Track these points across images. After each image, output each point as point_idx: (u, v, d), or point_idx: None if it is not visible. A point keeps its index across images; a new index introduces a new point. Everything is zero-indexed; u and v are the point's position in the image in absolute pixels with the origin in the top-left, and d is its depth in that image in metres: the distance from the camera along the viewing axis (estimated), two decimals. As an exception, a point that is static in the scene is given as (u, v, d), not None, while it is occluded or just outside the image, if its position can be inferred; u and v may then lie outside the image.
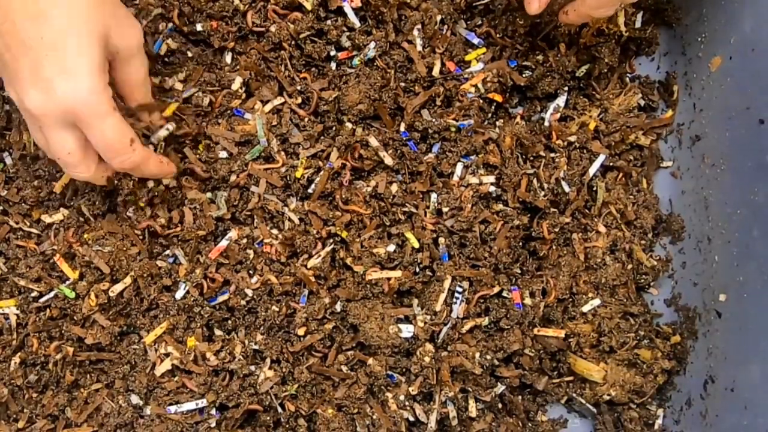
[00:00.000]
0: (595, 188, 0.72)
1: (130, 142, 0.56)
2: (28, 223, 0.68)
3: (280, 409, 0.66)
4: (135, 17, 0.60)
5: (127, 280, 0.65)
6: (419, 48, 0.69)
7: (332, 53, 0.69)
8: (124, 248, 0.66)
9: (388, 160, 0.67)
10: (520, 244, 0.70)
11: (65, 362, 0.66)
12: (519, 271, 0.69)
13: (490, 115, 0.71)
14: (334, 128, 0.69)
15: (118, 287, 0.65)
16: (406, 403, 0.66)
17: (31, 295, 0.66)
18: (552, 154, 0.71)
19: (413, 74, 0.69)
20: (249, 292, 0.65)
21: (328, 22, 0.68)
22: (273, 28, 0.68)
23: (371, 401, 0.66)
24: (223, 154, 0.67)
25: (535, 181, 0.70)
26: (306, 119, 0.68)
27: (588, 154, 0.73)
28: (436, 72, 0.69)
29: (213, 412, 0.65)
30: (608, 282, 0.71)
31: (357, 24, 0.69)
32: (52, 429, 0.66)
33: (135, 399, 0.66)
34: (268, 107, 0.68)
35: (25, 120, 0.58)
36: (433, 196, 0.68)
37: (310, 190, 0.67)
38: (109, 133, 0.55)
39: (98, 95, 0.53)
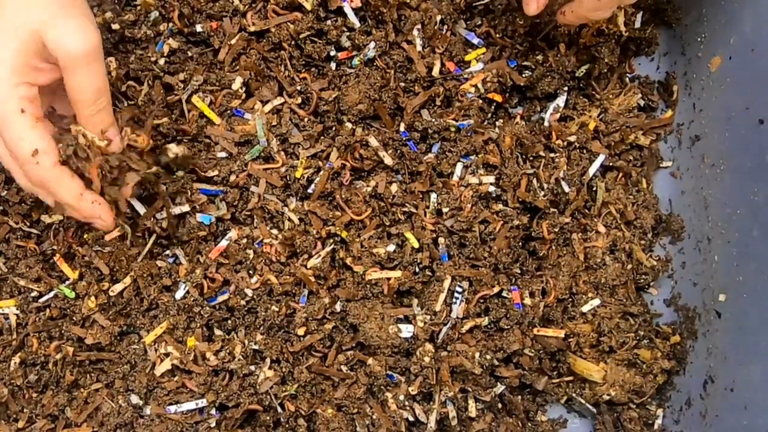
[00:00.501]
0: (594, 188, 0.72)
1: (32, 153, 0.51)
2: (27, 223, 0.68)
3: (279, 409, 0.66)
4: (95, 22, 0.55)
5: (127, 280, 0.65)
6: (419, 48, 0.69)
7: (332, 53, 0.69)
8: (124, 248, 0.66)
9: (388, 160, 0.67)
10: (520, 244, 0.70)
11: (65, 362, 0.66)
12: (519, 271, 0.69)
13: (489, 115, 0.71)
14: (333, 128, 0.69)
15: (117, 287, 0.65)
16: (406, 403, 0.66)
17: (31, 295, 0.66)
18: (552, 154, 0.71)
19: (413, 74, 0.69)
20: (249, 292, 0.65)
21: (328, 22, 0.68)
22: (273, 29, 0.68)
23: (371, 401, 0.66)
24: (223, 154, 0.67)
25: (534, 181, 0.70)
26: (306, 119, 0.68)
27: (588, 154, 0.73)
28: (435, 72, 0.69)
29: (213, 412, 0.65)
30: (608, 282, 0.71)
31: (357, 24, 0.69)
32: (52, 429, 0.66)
33: (135, 399, 0.66)
34: (268, 107, 0.68)
35: None
36: (433, 196, 0.68)
37: (309, 190, 0.67)
38: (9, 136, 0.51)
39: (5, 94, 0.50)
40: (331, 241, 0.67)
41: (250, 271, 0.66)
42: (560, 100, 0.73)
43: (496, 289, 0.68)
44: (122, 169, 0.56)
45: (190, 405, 0.65)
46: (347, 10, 0.68)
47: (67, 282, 0.66)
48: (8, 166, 0.54)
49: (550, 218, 0.70)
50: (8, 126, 0.50)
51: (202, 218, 0.65)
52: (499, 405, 0.70)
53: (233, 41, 0.68)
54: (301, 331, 0.66)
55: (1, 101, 0.50)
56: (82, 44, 0.51)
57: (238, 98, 0.68)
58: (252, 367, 0.65)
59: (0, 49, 0.50)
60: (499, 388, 0.69)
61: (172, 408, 0.65)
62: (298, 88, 0.68)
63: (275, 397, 0.65)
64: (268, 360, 0.66)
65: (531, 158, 0.71)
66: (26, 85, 0.51)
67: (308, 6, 0.68)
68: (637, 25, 0.74)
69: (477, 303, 0.68)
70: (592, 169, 0.72)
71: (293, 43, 0.69)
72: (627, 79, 0.77)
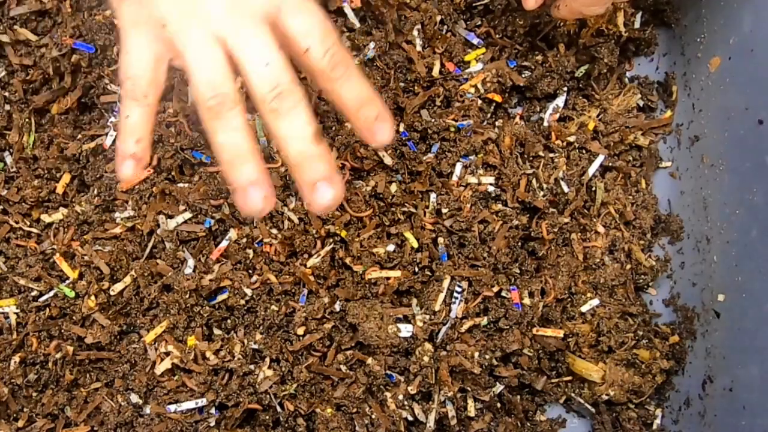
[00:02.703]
0: (594, 188, 0.73)
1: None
2: (28, 223, 0.68)
3: (279, 409, 0.66)
4: None
5: (127, 279, 0.65)
6: (419, 48, 0.69)
7: (332, 53, 0.69)
8: (124, 248, 0.66)
9: (388, 160, 0.67)
10: (519, 244, 0.70)
11: (65, 361, 0.66)
12: (518, 271, 0.69)
13: (489, 115, 0.72)
14: (333, 128, 0.69)
15: (118, 286, 0.65)
16: (405, 403, 0.66)
17: (31, 294, 0.66)
18: (551, 155, 0.71)
19: (413, 74, 0.69)
20: (248, 291, 0.65)
21: (328, 22, 0.69)
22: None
23: (370, 401, 0.67)
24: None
25: (534, 181, 0.70)
26: (305, 119, 0.68)
27: (587, 155, 0.73)
28: (435, 72, 0.69)
29: (212, 411, 0.66)
30: (607, 282, 0.71)
31: (357, 24, 0.69)
32: (51, 428, 0.66)
33: (135, 398, 0.66)
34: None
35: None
36: (433, 196, 0.68)
37: (309, 190, 0.67)
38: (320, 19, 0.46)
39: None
40: (331, 240, 0.67)
41: (250, 271, 0.66)
42: (560, 101, 0.73)
43: (495, 289, 0.68)
44: None
45: (190, 404, 0.65)
46: (347, 10, 0.68)
47: (67, 281, 0.66)
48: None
49: (549, 218, 0.70)
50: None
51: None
52: (498, 405, 0.70)
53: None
54: (300, 331, 0.66)
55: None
56: None
57: (238, 98, 0.68)
58: (251, 367, 0.66)
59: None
60: (498, 387, 0.69)
61: (172, 407, 0.65)
62: (298, 88, 0.69)
63: (274, 396, 0.65)
64: (267, 359, 0.66)
65: (530, 158, 0.71)
66: None
67: (308, 6, 0.68)
68: (637, 25, 0.74)
69: (476, 303, 0.68)
70: (592, 170, 0.72)
71: (293, 43, 0.69)
72: (626, 80, 0.77)
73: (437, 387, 0.66)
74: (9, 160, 0.69)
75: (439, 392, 0.66)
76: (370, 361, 0.66)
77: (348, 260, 0.66)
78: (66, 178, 0.68)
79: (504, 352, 0.68)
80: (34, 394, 0.66)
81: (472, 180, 0.68)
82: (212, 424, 0.65)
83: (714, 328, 0.67)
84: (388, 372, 0.66)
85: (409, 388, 0.66)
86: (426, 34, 0.70)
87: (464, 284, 0.67)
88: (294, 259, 0.67)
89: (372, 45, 0.68)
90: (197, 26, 0.45)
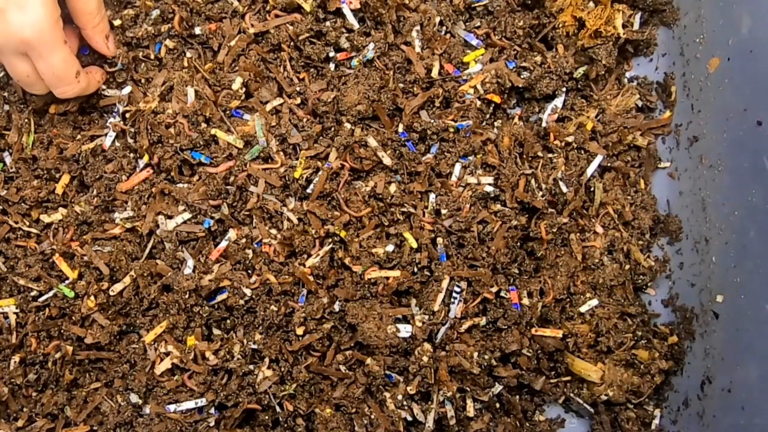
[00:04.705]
0: (592, 189, 0.73)
1: (75, 75, 0.61)
2: (27, 223, 0.68)
3: (278, 409, 0.66)
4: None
5: (127, 279, 0.65)
6: (418, 49, 0.70)
7: (331, 54, 0.69)
8: (124, 248, 0.66)
9: (387, 161, 0.67)
10: (518, 244, 0.70)
11: (64, 361, 0.66)
12: (517, 272, 0.69)
13: (488, 115, 0.72)
14: (332, 129, 0.69)
15: (117, 287, 0.65)
16: (404, 403, 0.66)
17: (31, 294, 0.66)
18: (550, 155, 0.71)
19: (412, 75, 0.69)
20: (248, 291, 0.66)
21: (327, 23, 0.69)
22: (272, 30, 0.68)
23: (369, 401, 0.67)
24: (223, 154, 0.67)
25: (533, 181, 0.70)
26: (305, 120, 0.68)
27: (586, 155, 0.73)
28: (434, 73, 0.69)
29: (212, 411, 0.66)
30: (606, 282, 0.71)
31: (356, 25, 0.69)
32: (51, 428, 0.66)
33: (134, 398, 0.66)
34: (267, 108, 0.68)
35: None
36: (432, 196, 0.68)
37: (308, 190, 0.67)
38: (58, 65, 0.60)
39: (50, 28, 0.57)
40: (330, 240, 0.67)
41: (249, 271, 0.66)
42: (558, 101, 0.73)
43: (494, 290, 0.68)
44: None
45: (190, 404, 0.65)
46: (346, 11, 0.68)
47: (67, 281, 0.66)
48: (27, 81, 0.62)
49: (548, 218, 0.70)
50: (58, 57, 0.59)
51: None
52: (497, 405, 0.70)
53: (233, 42, 0.68)
54: (299, 331, 0.66)
55: (50, 36, 0.57)
56: None
57: (238, 99, 0.68)
58: (251, 367, 0.66)
59: None
60: (497, 387, 0.69)
61: (172, 407, 0.65)
62: (298, 89, 0.69)
63: (274, 396, 0.66)
64: (266, 359, 0.66)
65: (529, 159, 0.71)
66: (60, 19, 0.59)
67: (307, 7, 0.68)
68: (636, 26, 0.74)
69: (475, 303, 0.68)
70: (590, 170, 0.72)
71: (292, 44, 0.69)
72: (625, 80, 0.77)
73: (436, 387, 0.66)
74: (8, 160, 0.69)
75: (438, 392, 0.67)
76: (369, 361, 0.66)
77: (347, 260, 0.66)
78: (65, 178, 0.68)
79: (503, 352, 0.68)
80: (34, 394, 0.66)
81: (471, 180, 0.68)
82: (212, 424, 0.65)
83: (713, 329, 0.67)
84: (388, 372, 0.66)
85: (408, 389, 0.66)
86: (425, 35, 0.70)
87: (463, 284, 0.67)
88: (293, 260, 0.67)
89: (371, 46, 0.68)
90: None
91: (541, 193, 0.70)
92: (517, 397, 0.71)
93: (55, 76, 0.61)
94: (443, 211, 0.67)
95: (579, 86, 0.75)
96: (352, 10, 0.68)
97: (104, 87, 0.69)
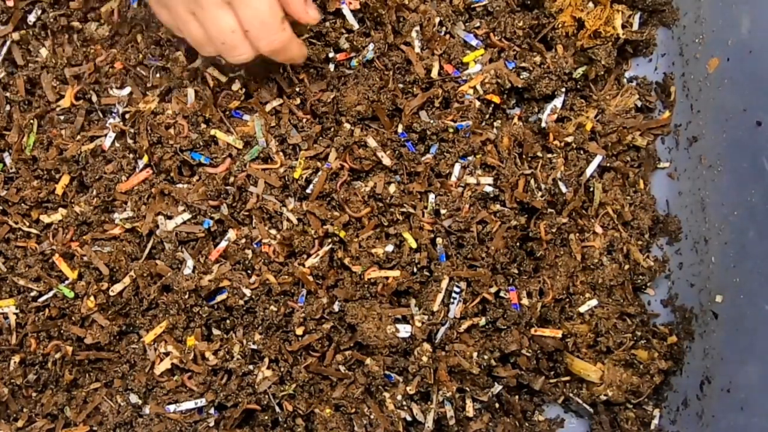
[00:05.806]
0: (592, 189, 0.73)
1: (281, 21, 0.58)
2: (27, 223, 0.68)
3: (278, 409, 0.66)
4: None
5: (126, 280, 0.65)
6: (417, 50, 0.70)
7: (331, 55, 0.69)
8: (123, 248, 0.66)
9: (387, 161, 0.68)
10: (518, 244, 0.70)
11: (64, 362, 0.66)
12: (516, 272, 0.70)
13: (487, 116, 0.72)
14: (332, 129, 0.69)
15: (117, 287, 0.65)
16: (404, 403, 0.66)
17: (31, 294, 0.66)
18: (549, 155, 0.71)
19: (411, 76, 0.69)
20: (247, 291, 0.66)
21: (327, 23, 0.69)
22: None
23: (369, 401, 0.67)
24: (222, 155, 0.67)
25: (532, 181, 0.70)
26: (304, 120, 0.68)
27: (585, 155, 0.73)
28: (434, 74, 0.69)
29: (212, 411, 0.66)
30: (605, 282, 0.71)
31: (355, 26, 0.69)
32: (51, 428, 0.66)
33: (134, 398, 0.66)
34: (267, 108, 0.68)
35: (180, 20, 0.58)
36: (431, 196, 0.68)
37: (308, 191, 0.67)
38: (263, 8, 0.57)
39: None
40: (330, 241, 0.67)
41: (249, 271, 0.66)
42: (557, 101, 0.73)
43: (493, 290, 0.68)
44: None
45: (189, 404, 0.65)
46: (346, 11, 0.68)
47: (67, 282, 0.66)
48: (233, 39, 0.58)
49: (547, 219, 0.70)
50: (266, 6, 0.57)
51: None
52: (497, 405, 0.70)
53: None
54: (299, 331, 0.66)
55: None
56: None
57: (237, 99, 0.68)
58: (250, 367, 0.66)
59: None
60: (497, 388, 0.69)
61: (171, 407, 0.65)
62: (297, 89, 0.69)
63: (273, 396, 0.66)
64: (266, 360, 0.66)
65: (529, 159, 0.71)
66: None
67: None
68: (635, 26, 0.74)
69: (475, 303, 0.68)
70: (590, 170, 0.72)
71: (292, 44, 0.69)
72: (624, 80, 0.77)
73: (436, 387, 0.66)
74: (8, 160, 0.69)
75: (438, 392, 0.67)
76: (368, 361, 0.66)
77: (347, 260, 0.66)
78: (65, 179, 0.68)
79: (502, 352, 0.68)
80: (34, 395, 0.67)
81: (471, 180, 0.68)
82: (211, 424, 0.65)
83: (712, 329, 0.67)
84: (387, 372, 0.67)
85: (408, 389, 0.66)
86: (425, 35, 0.70)
87: (463, 284, 0.67)
88: (293, 260, 0.67)
89: (371, 46, 0.68)
90: None
91: (540, 193, 0.70)
92: (517, 397, 0.71)
93: (262, 24, 0.57)
94: (443, 212, 0.67)
95: (578, 86, 0.75)
96: (351, 11, 0.68)
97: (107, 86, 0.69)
